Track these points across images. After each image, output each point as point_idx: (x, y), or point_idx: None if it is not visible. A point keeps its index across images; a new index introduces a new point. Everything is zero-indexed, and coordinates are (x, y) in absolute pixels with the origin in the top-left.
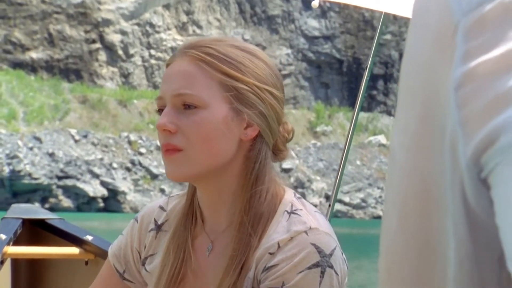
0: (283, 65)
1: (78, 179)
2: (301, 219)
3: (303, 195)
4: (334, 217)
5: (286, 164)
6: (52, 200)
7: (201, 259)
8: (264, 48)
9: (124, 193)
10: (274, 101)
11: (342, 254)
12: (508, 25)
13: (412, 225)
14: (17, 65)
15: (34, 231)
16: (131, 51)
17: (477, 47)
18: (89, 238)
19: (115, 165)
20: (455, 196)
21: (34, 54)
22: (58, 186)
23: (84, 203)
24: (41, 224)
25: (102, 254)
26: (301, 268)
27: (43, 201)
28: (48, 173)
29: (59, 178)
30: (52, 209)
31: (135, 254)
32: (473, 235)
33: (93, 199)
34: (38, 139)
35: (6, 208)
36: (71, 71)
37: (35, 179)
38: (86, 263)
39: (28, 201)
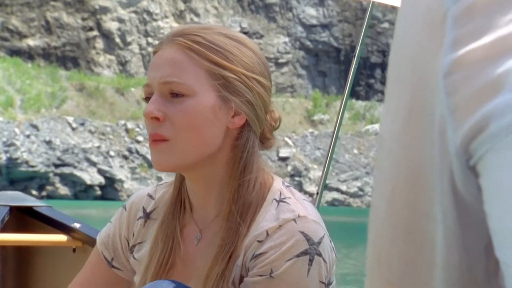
0: (280, 53)
1: (75, 167)
2: (289, 207)
3: (300, 184)
4: (331, 205)
5: (283, 153)
6: (49, 188)
7: (190, 247)
8: (261, 36)
9: (121, 181)
10: (262, 90)
11: (331, 242)
12: (497, 12)
13: (401, 212)
14: (14, 52)
15: (22, 218)
16: (129, 39)
17: (466, 34)
18: (76, 225)
19: (112, 153)
20: (444, 183)
21: (31, 42)
22: (55, 174)
23: (81, 191)
24: (28, 211)
25: (89, 241)
26: (290, 256)
27: (40, 189)
28: (45, 161)
29: (56, 166)
30: (49, 197)
31: (123, 241)
32: (461, 222)
33: (90, 187)
34: (35, 126)
35: None
36: (68, 58)
37: (32, 166)
38: (74, 250)
39: (25, 188)
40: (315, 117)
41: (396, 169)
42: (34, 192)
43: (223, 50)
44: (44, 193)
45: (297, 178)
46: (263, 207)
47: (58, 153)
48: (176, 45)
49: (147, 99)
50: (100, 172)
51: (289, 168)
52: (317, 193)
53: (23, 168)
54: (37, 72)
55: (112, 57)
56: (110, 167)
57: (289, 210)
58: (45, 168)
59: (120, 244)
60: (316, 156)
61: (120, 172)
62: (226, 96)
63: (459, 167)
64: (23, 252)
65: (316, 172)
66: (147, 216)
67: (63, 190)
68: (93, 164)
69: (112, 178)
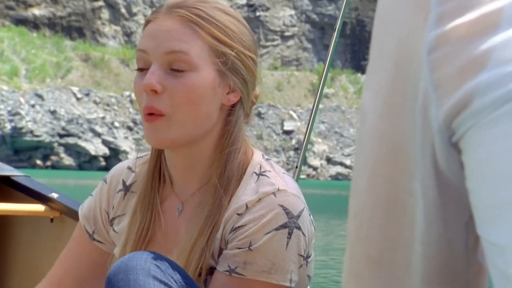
0: (286, 26)
1: (79, 138)
2: (269, 181)
3: (304, 157)
4: (335, 179)
5: (287, 126)
6: (53, 158)
7: (171, 220)
8: (267, 9)
9: (125, 152)
10: (254, 67)
11: (310, 215)
12: None
13: (381, 187)
14: (20, 21)
15: None
16: (134, 10)
17: (451, 10)
18: (54, 195)
19: (117, 124)
20: (425, 159)
21: (36, 11)
22: (60, 144)
23: (86, 161)
24: (6, 180)
25: (67, 211)
26: (269, 229)
27: (45, 158)
28: (50, 131)
29: (61, 136)
30: (53, 167)
31: (103, 214)
32: (442, 198)
33: (95, 157)
34: (40, 96)
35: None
36: (74, 28)
37: (37, 136)
38: (52, 220)
39: (29, 158)
40: None
41: (378, 144)
42: (38, 161)
43: (223, 26)
44: (48, 163)
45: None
46: (243, 180)
47: (63, 123)
48: (178, 17)
49: (140, 70)
50: (105, 143)
51: (294, 141)
52: (296, 167)
53: (27, 138)
54: (42, 41)
55: (118, 28)
56: (115, 138)
57: (268, 183)
58: (50, 138)
59: (100, 217)
60: (320, 130)
61: (125, 143)
62: (225, 73)
63: (441, 144)
64: (0, 221)
65: (320, 146)
66: (126, 188)
67: (68, 160)
68: (98, 134)
69: (116, 149)
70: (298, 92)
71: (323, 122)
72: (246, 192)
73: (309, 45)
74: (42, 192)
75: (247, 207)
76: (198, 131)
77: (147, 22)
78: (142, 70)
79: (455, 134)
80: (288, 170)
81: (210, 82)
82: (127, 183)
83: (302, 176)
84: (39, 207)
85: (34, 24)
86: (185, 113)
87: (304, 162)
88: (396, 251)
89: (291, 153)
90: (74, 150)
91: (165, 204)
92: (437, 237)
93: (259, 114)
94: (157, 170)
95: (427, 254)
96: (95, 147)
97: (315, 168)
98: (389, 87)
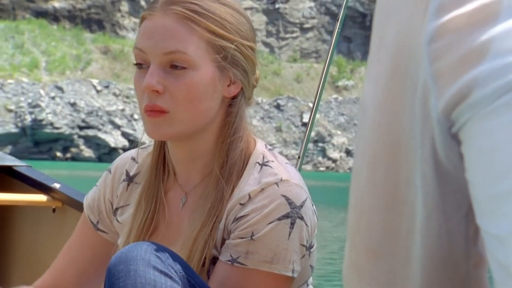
0: (305, 18)
1: (99, 130)
2: (272, 171)
3: (324, 150)
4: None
5: (306, 118)
6: (73, 150)
7: (174, 211)
8: (287, 1)
9: (144, 144)
10: (253, 55)
11: (313, 205)
12: None
13: (381, 177)
14: (40, 14)
15: (1, 178)
16: None
17: (451, 1)
18: (56, 185)
19: (136, 116)
20: (424, 150)
21: (56, 3)
22: (80, 136)
23: (105, 153)
24: (8, 171)
25: (69, 202)
26: (271, 219)
27: (65, 150)
28: (70, 123)
29: (81, 128)
30: (73, 159)
31: (107, 204)
32: (441, 188)
33: (114, 149)
34: (60, 88)
35: (28, 157)
36: (94, 21)
37: (57, 128)
38: (54, 210)
39: (49, 150)
40: (340, 83)
41: (377, 135)
42: (58, 153)
43: (220, 19)
44: (68, 155)
45: (320, 144)
46: (246, 170)
47: (83, 115)
48: (173, 14)
49: (138, 65)
50: (124, 135)
51: (313, 133)
52: (299, 157)
53: (47, 130)
54: (62, 34)
55: (137, 20)
56: (134, 130)
57: (271, 173)
58: (70, 130)
59: (104, 207)
60: (340, 122)
61: (144, 135)
62: (225, 66)
63: (440, 135)
64: (2, 211)
65: (339, 138)
66: (130, 179)
67: (87, 152)
68: (117, 127)
69: (136, 141)
70: (317, 85)
71: (342, 115)
72: (249, 182)
73: (328, 37)
74: (44, 182)
75: (249, 197)
76: (198, 125)
77: (143, 18)
78: (141, 66)
79: (454, 125)
80: (307, 162)
81: (210, 79)
82: (131, 174)
83: (321, 169)
84: (41, 197)
85: (54, 17)
86: (186, 110)
87: (323, 154)
88: (396, 242)
89: (310, 145)
90: (93, 142)
91: (169, 195)
92: (436, 228)
93: (278, 106)
94: (161, 160)
95: (426, 245)
96: (115, 139)
97: (334, 161)
98: (388, 77)
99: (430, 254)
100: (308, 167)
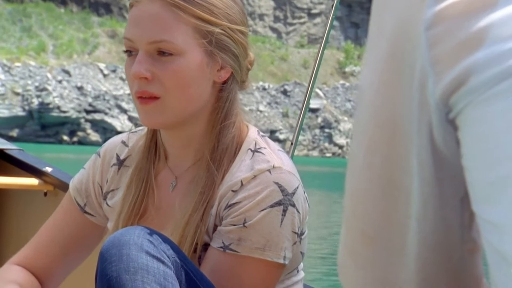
0: (313, 3)
1: (106, 114)
2: (264, 158)
3: (330, 136)
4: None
5: (313, 104)
6: (80, 133)
7: (164, 194)
8: None
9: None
10: (244, 39)
11: (304, 193)
12: None
13: (377, 163)
14: None
15: None
16: None
17: None
18: (48, 169)
19: None
20: (422, 136)
21: None
22: (86, 120)
23: (112, 137)
24: None
25: (61, 185)
26: (263, 206)
27: (71, 134)
28: (77, 107)
29: (87, 112)
30: (80, 143)
31: (96, 188)
32: (438, 174)
33: (121, 133)
34: (67, 72)
35: (35, 141)
36: (101, 5)
37: (64, 112)
38: (45, 194)
39: (56, 134)
40: (347, 69)
41: (374, 121)
42: (65, 137)
43: (207, 4)
44: (75, 139)
45: (327, 130)
46: (237, 156)
47: (90, 99)
48: (159, 1)
49: (128, 51)
50: (131, 119)
51: (319, 119)
52: (292, 143)
53: (54, 113)
54: (70, 17)
55: None
56: None
57: (264, 160)
58: (77, 114)
59: (93, 190)
60: (346, 108)
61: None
62: (213, 51)
63: (438, 120)
64: None
65: (346, 124)
66: (120, 163)
67: (94, 136)
68: (124, 111)
69: (142, 125)
70: (325, 70)
71: (349, 101)
72: (241, 169)
73: (336, 23)
74: (36, 165)
75: (242, 184)
76: (190, 111)
77: (131, 5)
78: (131, 53)
79: (452, 111)
80: (313, 148)
81: (198, 64)
82: (121, 157)
83: (327, 155)
84: (32, 181)
85: (61, 0)
86: (176, 96)
87: (330, 140)
88: (391, 228)
89: (317, 131)
90: (100, 126)
91: (159, 178)
92: (432, 214)
93: (285, 92)
94: (153, 143)
95: (422, 231)
96: (121, 123)
97: (340, 147)
98: (386, 63)
99: (425, 239)
100: (315, 153)
